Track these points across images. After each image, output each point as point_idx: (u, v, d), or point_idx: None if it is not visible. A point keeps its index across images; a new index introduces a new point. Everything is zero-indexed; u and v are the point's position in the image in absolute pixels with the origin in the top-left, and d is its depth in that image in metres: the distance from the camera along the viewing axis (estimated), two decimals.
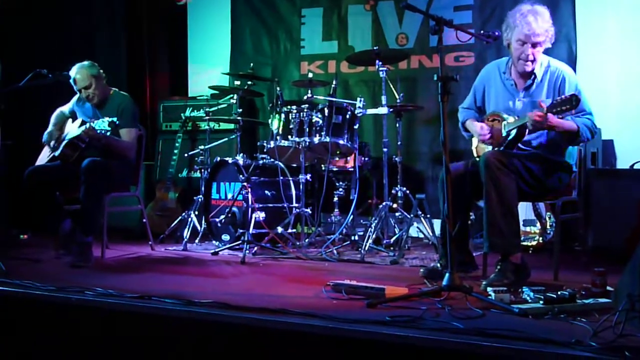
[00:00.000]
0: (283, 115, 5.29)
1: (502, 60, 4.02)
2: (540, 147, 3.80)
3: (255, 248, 4.99)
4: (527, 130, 3.68)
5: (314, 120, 5.17)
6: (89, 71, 4.89)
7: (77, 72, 4.89)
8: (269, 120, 5.46)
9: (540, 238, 5.04)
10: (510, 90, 3.92)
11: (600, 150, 5.26)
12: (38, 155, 5.13)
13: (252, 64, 6.14)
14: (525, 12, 3.71)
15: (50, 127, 5.06)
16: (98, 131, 4.50)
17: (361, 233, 5.19)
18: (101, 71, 4.97)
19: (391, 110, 5.31)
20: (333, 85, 5.38)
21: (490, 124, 3.93)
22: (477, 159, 3.86)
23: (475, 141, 4.11)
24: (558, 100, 3.48)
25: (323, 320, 2.73)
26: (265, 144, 5.45)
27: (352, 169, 5.55)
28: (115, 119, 4.55)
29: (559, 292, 2.97)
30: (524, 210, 5.01)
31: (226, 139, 6.13)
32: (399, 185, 5.37)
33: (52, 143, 4.99)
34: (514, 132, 3.72)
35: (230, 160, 5.41)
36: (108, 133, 4.57)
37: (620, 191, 4.70)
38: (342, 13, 6.73)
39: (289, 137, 5.22)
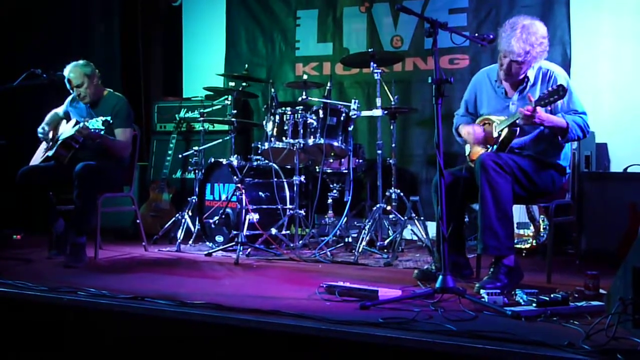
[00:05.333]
0: (277, 117, 5.28)
1: (492, 68, 4.01)
2: (534, 150, 3.81)
3: (249, 249, 4.98)
4: (517, 129, 3.69)
5: (308, 122, 5.17)
6: (82, 70, 4.88)
7: (70, 70, 4.89)
8: (264, 122, 5.46)
9: (534, 241, 5.05)
10: (502, 97, 3.92)
11: (593, 153, 5.27)
12: (31, 155, 5.12)
13: (246, 65, 6.14)
14: (515, 26, 3.69)
15: (43, 124, 5.05)
16: (92, 130, 4.50)
17: (355, 235, 5.20)
18: (96, 71, 4.96)
19: (386, 112, 5.33)
20: (328, 87, 5.39)
21: (482, 127, 3.93)
22: (472, 164, 3.86)
23: (468, 147, 4.11)
24: (545, 93, 3.50)
25: (316, 322, 2.73)
26: (259, 146, 5.46)
27: (346, 171, 5.55)
28: (109, 118, 4.55)
29: (552, 295, 2.98)
30: (518, 212, 5.01)
31: (220, 140, 6.13)
32: (393, 188, 5.38)
33: (48, 138, 4.98)
34: (505, 131, 3.73)
35: (224, 161, 5.41)
36: (102, 132, 4.56)
37: (614, 194, 4.72)
38: (337, 15, 6.73)
39: (284, 138, 5.22)
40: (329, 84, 5.43)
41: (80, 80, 4.88)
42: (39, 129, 5.00)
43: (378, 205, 5.08)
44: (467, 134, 3.99)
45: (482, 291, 3.26)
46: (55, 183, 4.84)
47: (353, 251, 4.89)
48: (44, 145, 5.09)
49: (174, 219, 5.80)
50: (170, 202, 6.22)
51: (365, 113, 5.20)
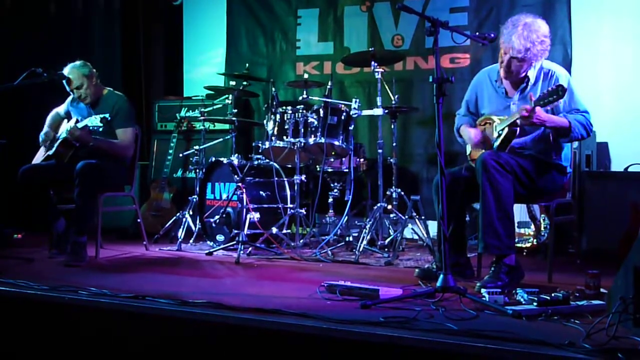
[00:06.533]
0: (278, 116, 5.29)
1: (493, 68, 4.01)
2: (535, 149, 3.80)
3: (250, 249, 4.99)
4: (518, 129, 3.69)
5: (309, 121, 5.18)
6: (80, 71, 4.88)
7: (69, 72, 4.89)
8: (264, 121, 5.46)
9: (535, 240, 5.05)
10: (503, 97, 3.92)
11: (594, 152, 5.27)
12: (32, 154, 5.10)
13: (247, 64, 6.13)
14: (517, 23, 3.69)
15: (45, 128, 5.06)
16: (90, 128, 4.51)
17: (356, 234, 5.20)
18: (94, 71, 4.96)
19: (386, 111, 5.32)
20: (328, 86, 5.39)
21: (482, 128, 3.94)
22: (472, 163, 3.86)
23: (469, 146, 4.11)
24: (545, 93, 3.49)
25: (317, 321, 2.73)
26: (260, 145, 5.46)
27: (347, 170, 5.55)
28: (107, 115, 4.55)
29: (552, 294, 2.97)
30: (519, 212, 5.02)
31: (221, 139, 6.13)
32: (393, 187, 5.38)
33: (47, 143, 4.98)
34: (505, 131, 3.73)
35: (225, 160, 5.41)
36: (100, 129, 4.55)
37: (615, 193, 4.72)
38: (338, 14, 6.73)
39: (284, 137, 5.22)
40: (329, 83, 5.42)
41: (80, 82, 4.88)
42: (41, 134, 4.99)
43: (379, 205, 5.08)
44: (467, 138, 4.00)
45: (483, 290, 3.25)
46: (56, 182, 4.84)
47: (354, 250, 4.89)
48: None
49: (174, 218, 5.80)
50: (171, 201, 6.23)
51: (366, 112, 5.20)
